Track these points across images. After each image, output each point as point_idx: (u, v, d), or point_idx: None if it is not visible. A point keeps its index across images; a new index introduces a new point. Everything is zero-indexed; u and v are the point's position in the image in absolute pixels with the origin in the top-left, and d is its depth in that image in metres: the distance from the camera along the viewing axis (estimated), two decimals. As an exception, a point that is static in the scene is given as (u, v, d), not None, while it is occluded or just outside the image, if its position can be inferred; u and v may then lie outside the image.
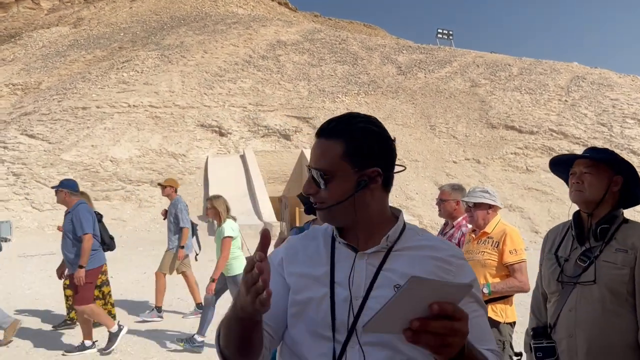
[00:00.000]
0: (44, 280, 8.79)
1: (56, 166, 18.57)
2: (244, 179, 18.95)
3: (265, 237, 1.02)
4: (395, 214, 1.32)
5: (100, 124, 21.06)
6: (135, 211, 17.41)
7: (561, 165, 2.25)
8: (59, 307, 6.71)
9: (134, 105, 22.32)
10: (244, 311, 1.02)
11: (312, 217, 3.70)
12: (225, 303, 6.50)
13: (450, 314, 0.88)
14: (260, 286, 0.96)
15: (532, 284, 2.95)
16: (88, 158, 19.10)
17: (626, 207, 2.14)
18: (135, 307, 7.12)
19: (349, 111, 1.43)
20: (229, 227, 5.40)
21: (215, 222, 5.64)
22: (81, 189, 5.74)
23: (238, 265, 5.36)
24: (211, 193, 17.86)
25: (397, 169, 1.29)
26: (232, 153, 21.09)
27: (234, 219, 5.58)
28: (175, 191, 6.93)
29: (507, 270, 3.29)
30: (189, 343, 5.37)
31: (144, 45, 30.47)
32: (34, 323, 6.31)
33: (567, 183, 2.21)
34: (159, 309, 6.61)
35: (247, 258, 1.03)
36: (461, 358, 0.95)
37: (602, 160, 2.08)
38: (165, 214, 6.99)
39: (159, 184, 7.23)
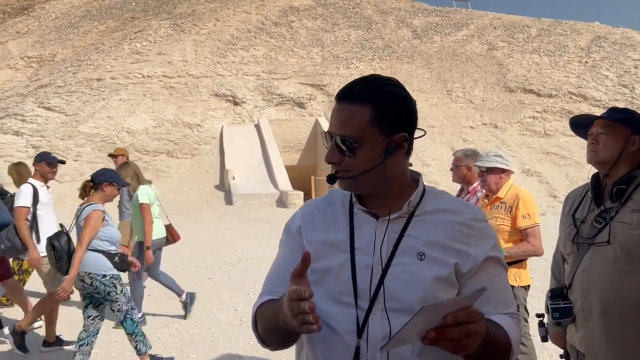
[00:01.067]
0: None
1: (74, 138, 18.77)
2: (259, 148, 19.03)
3: (305, 260, 1.02)
4: (415, 177, 1.29)
5: (115, 95, 21.13)
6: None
7: (583, 127, 2.22)
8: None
9: (148, 76, 22.31)
10: (288, 326, 1.04)
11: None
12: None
13: (464, 320, 0.92)
14: (310, 319, 0.96)
15: (549, 248, 2.95)
16: (105, 129, 19.25)
17: None
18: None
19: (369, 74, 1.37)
20: (142, 193, 5.28)
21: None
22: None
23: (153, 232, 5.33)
24: (227, 163, 18.07)
25: (417, 133, 1.25)
26: (246, 122, 21.09)
27: (149, 183, 5.51)
28: (127, 159, 6.66)
29: (521, 234, 3.29)
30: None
31: (156, 15, 30.21)
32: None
33: None
34: None
35: (292, 290, 0.99)
36: (479, 345, 0.98)
37: (619, 120, 2.04)
38: None
39: (110, 155, 6.87)
